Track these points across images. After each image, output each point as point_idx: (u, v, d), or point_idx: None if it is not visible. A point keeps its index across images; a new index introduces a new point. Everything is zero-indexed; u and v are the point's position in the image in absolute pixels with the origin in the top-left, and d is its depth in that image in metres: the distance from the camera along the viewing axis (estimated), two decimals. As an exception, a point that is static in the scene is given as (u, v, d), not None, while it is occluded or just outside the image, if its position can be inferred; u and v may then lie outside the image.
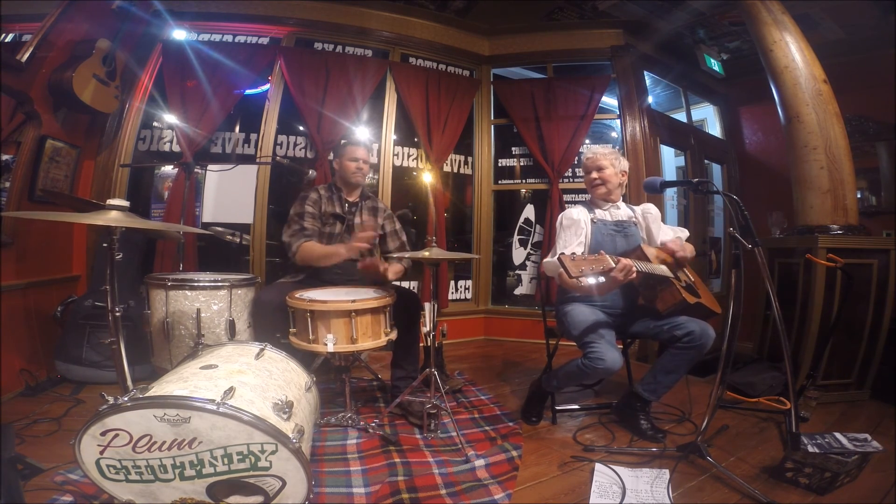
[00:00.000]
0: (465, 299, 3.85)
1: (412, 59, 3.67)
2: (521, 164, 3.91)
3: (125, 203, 1.25)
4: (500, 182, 3.93)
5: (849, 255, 2.11)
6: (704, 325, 1.75)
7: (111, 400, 1.03)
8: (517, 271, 3.88)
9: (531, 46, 3.81)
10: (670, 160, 4.50)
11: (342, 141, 2.43)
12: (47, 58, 2.31)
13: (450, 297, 3.70)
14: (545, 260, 1.88)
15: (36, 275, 2.35)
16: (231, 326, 1.99)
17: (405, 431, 1.88)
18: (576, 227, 1.92)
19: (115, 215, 1.21)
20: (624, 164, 2.05)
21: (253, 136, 3.20)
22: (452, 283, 3.76)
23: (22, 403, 1.99)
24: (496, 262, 3.94)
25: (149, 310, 1.99)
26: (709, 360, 1.84)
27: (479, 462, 1.62)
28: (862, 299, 2.27)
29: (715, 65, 4.13)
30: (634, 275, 1.59)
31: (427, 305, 2.08)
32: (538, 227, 3.82)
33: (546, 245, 3.63)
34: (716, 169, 4.61)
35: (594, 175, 2.02)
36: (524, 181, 3.90)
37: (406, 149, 3.61)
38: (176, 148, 3.00)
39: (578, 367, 1.74)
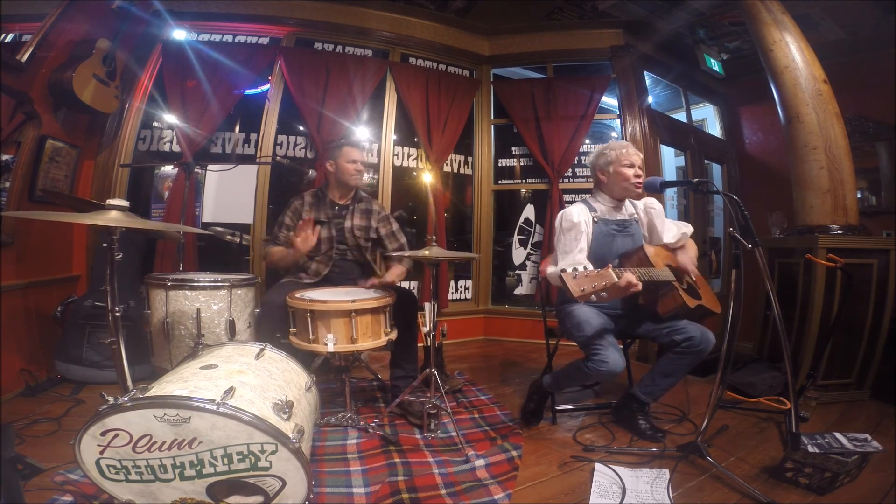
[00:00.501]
0: (465, 299, 3.85)
1: (412, 59, 3.67)
2: (521, 164, 3.91)
3: (125, 203, 1.25)
4: (500, 182, 3.93)
5: (849, 255, 2.10)
6: (705, 329, 1.74)
7: (111, 400, 1.03)
8: (517, 271, 3.88)
9: (531, 46, 3.81)
10: (670, 160, 4.50)
11: (341, 140, 2.41)
12: (47, 58, 2.31)
13: (450, 297, 3.70)
14: (548, 270, 1.83)
15: (36, 275, 2.35)
16: (231, 326, 1.99)
17: (405, 431, 1.88)
18: (576, 230, 1.82)
19: (114, 215, 1.22)
20: None
21: (253, 136, 3.20)
22: (452, 283, 3.76)
23: (22, 403, 1.99)
24: (496, 262, 3.94)
25: (149, 310, 1.99)
26: (709, 360, 1.83)
27: (479, 462, 1.62)
28: (862, 299, 2.27)
29: (715, 65, 4.12)
30: (638, 288, 1.54)
31: (427, 305, 2.08)
32: (538, 227, 3.82)
33: (546, 245, 3.63)
34: (716, 169, 4.61)
35: (638, 170, 1.86)
36: (524, 181, 3.91)
37: (406, 149, 3.61)
38: (176, 148, 3.00)
39: (580, 369, 1.73)
